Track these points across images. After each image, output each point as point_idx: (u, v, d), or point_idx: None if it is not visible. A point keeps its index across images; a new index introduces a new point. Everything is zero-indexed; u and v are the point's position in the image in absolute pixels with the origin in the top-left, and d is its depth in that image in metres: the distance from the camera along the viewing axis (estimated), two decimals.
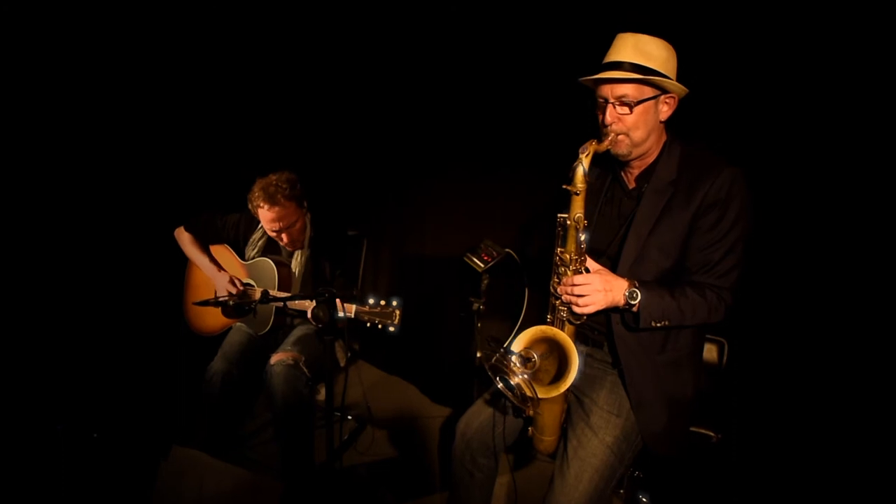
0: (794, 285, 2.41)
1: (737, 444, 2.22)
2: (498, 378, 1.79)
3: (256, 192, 2.65)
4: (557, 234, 1.86)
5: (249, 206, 2.70)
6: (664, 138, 1.93)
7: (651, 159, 1.94)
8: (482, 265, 2.66)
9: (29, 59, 3.05)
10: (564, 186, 1.80)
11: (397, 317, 2.37)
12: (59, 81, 3.14)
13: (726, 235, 1.82)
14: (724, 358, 2.14)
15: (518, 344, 1.84)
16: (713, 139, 1.99)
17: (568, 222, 1.82)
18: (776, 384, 2.44)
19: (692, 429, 2.09)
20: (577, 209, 1.81)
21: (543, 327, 1.86)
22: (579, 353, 1.79)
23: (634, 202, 1.94)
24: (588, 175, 1.78)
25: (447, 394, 3.49)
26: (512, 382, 1.76)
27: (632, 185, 1.98)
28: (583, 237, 1.82)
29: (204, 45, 3.45)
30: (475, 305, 2.70)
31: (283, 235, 2.72)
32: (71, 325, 3.22)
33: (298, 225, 2.74)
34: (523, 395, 1.75)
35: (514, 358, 1.77)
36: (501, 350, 1.80)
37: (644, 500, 2.24)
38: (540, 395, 1.76)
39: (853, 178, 2.30)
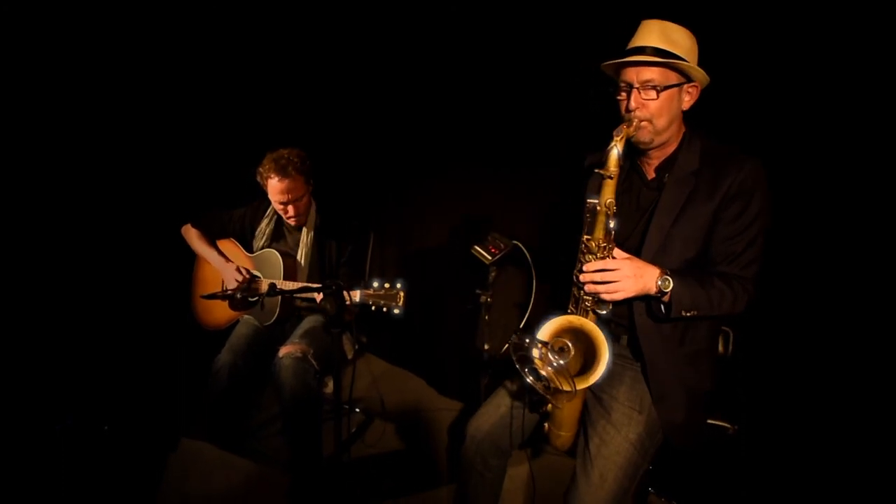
0: (797, 275, 2.40)
1: (745, 435, 2.21)
2: (526, 370, 1.74)
3: (267, 164, 2.69)
4: (585, 220, 1.81)
5: (258, 179, 2.74)
6: (683, 129, 1.91)
7: (671, 149, 1.92)
8: (490, 257, 2.65)
9: (31, 56, 3.05)
10: (597, 170, 1.76)
11: (401, 299, 2.37)
12: (68, 79, 3.15)
13: (749, 227, 1.81)
14: (731, 347, 2.13)
15: (545, 334, 1.79)
16: (715, 130, 1.98)
17: (598, 207, 1.77)
18: (783, 374, 2.43)
19: (709, 421, 2.08)
20: (608, 194, 1.76)
21: (570, 317, 1.81)
22: (609, 343, 1.74)
23: (655, 192, 1.91)
24: (621, 159, 1.75)
25: (454, 386, 3.50)
26: (542, 373, 1.72)
27: (651, 176, 1.95)
28: (612, 224, 1.78)
29: (210, 47, 3.47)
30: (482, 298, 2.69)
31: (290, 208, 2.74)
32: (80, 319, 3.24)
33: (305, 200, 2.78)
34: (554, 387, 1.71)
35: (544, 348, 1.73)
36: (536, 340, 1.75)
37: (651, 491, 2.23)
38: (568, 388, 1.71)
39: (858, 168, 2.29)
